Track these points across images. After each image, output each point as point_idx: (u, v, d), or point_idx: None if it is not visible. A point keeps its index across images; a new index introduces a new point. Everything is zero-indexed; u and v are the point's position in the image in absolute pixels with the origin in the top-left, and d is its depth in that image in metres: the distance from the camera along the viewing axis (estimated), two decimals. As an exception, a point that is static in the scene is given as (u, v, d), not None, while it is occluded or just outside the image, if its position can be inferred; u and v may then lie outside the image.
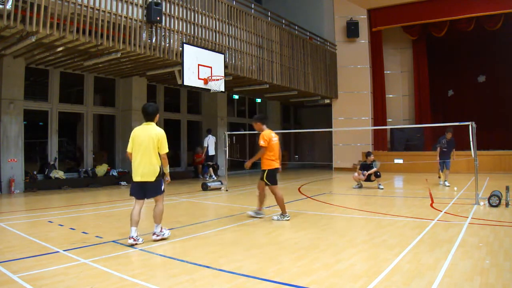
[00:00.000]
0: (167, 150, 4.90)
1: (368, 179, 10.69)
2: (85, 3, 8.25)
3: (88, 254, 4.26)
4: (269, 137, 6.29)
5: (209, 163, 13.86)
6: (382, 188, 10.48)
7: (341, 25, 18.65)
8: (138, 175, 4.82)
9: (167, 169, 4.97)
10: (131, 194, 4.96)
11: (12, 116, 10.25)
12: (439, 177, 11.46)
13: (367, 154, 11.08)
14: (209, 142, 13.89)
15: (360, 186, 10.86)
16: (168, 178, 5.04)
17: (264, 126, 6.43)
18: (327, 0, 18.90)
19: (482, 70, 18.79)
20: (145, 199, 4.94)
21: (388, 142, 18.90)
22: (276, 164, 6.32)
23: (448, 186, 10.82)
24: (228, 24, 12.14)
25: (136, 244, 4.65)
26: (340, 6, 18.63)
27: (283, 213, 6.30)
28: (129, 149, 4.96)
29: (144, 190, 4.87)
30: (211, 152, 13.96)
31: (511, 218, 6.14)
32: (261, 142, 6.23)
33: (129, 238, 4.69)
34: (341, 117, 18.72)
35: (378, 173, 10.63)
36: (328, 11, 18.95)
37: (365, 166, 10.87)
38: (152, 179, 4.81)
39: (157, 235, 4.91)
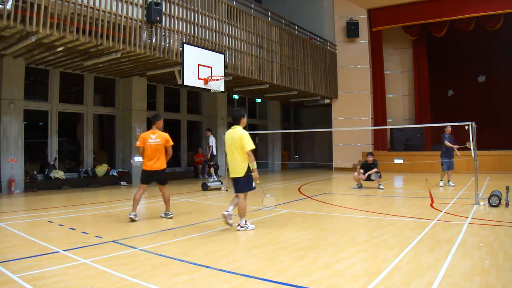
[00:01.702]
0: (251, 147, 5.40)
1: (368, 178, 10.69)
2: (85, 3, 8.25)
3: (88, 254, 4.26)
4: (144, 137, 6.44)
5: (210, 163, 13.81)
6: (382, 188, 10.48)
7: (341, 25, 18.65)
8: (230, 172, 5.64)
9: (253, 165, 5.43)
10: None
11: (12, 116, 10.25)
12: (442, 179, 11.00)
13: (368, 154, 11.10)
14: (213, 141, 13.85)
15: (360, 186, 10.86)
16: (255, 173, 5.43)
17: (154, 126, 6.55)
18: (327, 0, 18.90)
19: (482, 70, 18.80)
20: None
21: (388, 142, 18.91)
22: (144, 166, 6.46)
23: (453, 186, 10.76)
24: (228, 24, 12.14)
25: (230, 216, 5.50)
26: (340, 6, 18.63)
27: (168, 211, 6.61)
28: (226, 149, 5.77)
29: (236, 185, 5.61)
30: (214, 151, 13.93)
31: (511, 218, 6.14)
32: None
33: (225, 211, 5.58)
34: (341, 117, 18.72)
35: (379, 174, 10.63)
36: (328, 11, 18.95)
37: (365, 166, 10.88)
38: (241, 175, 5.48)
39: (241, 227, 5.51)
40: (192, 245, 4.75)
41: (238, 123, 5.63)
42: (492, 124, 17.41)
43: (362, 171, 10.83)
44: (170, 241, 4.90)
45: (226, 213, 5.51)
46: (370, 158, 10.85)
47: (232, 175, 5.58)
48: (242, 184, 5.49)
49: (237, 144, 5.42)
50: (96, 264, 3.87)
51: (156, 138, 6.40)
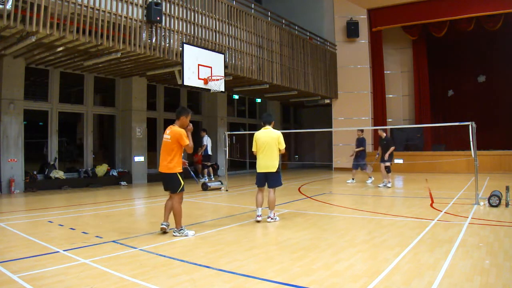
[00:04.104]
0: (284, 146, 6.19)
1: (382, 160, 10.81)
2: (85, 3, 8.24)
3: (88, 254, 4.26)
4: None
5: (206, 163, 13.78)
6: (380, 186, 10.53)
7: (341, 25, 18.64)
8: (262, 168, 6.15)
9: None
10: (256, 183, 6.29)
11: (12, 116, 10.24)
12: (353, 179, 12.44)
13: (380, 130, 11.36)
14: (208, 141, 13.83)
15: (372, 182, 11.00)
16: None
17: (177, 122, 5.67)
18: (327, 0, 18.89)
19: (482, 70, 18.79)
20: (265, 187, 6.20)
21: (388, 142, 18.89)
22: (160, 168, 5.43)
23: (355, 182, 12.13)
24: (228, 24, 12.14)
25: (260, 220, 6.03)
26: (340, 6, 18.62)
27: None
28: (254, 149, 6.31)
29: (266, 180, 6.16)
30: (209, 151, 13.90)
31: (511, 218, 6.14)
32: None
33: (257, 216, 6.08)
34: (341, 117, 18.71)
35: (388, 169, 10.71)
36: (328, 11, 18.94)
37: (381, 143, 11.03)
38: (273, 170, 6.10)
39: (271, 218, 6.10)
40: (192, 245, 4.75)
41: (269, 125, 6.33)
42: (492, 124, 17.40)
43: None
44: (170, 241, 4.90)
45: (259, 218, 6.06)
46: (382, 133, 11.05)
47: (264, 170, 6.12)
48: (274, 179, 6.13)
49: (274, 142, 6.10)
50: (96, 264, 3.88)
51: (168, 135, 5.39)
